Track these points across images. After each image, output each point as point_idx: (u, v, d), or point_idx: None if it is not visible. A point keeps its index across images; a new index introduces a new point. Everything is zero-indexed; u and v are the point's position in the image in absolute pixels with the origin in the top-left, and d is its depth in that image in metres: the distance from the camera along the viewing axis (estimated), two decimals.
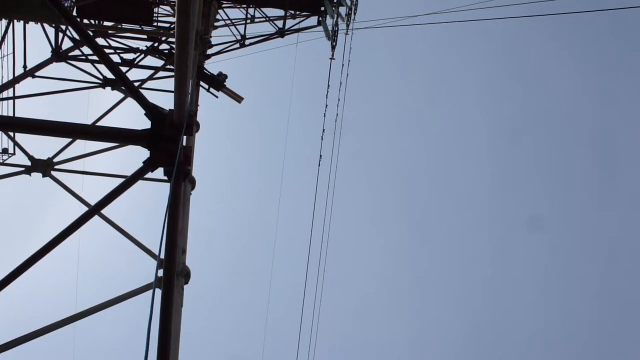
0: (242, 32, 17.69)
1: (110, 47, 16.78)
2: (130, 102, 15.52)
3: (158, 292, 6.79)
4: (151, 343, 6.56)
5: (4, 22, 14.32)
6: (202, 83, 16.02)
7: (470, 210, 38.99)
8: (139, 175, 6.53)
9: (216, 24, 17.63)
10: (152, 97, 16.54)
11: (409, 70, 39.31)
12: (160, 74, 16.78)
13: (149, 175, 6.72)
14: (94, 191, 15.54)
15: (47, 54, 16.13)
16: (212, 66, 16.58)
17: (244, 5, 17.50)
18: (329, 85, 18.37)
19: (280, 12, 17.88)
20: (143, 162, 6.38)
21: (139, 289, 10.23)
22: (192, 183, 11.83)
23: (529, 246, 38.01)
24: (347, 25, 18.63)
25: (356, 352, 36.86)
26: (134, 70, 16.90)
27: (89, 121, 14.80)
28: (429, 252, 39.12)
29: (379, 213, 39.83)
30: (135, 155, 6.89)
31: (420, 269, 38.83)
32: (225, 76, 16.16)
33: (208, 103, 16.14)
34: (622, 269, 36.19)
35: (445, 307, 37.57)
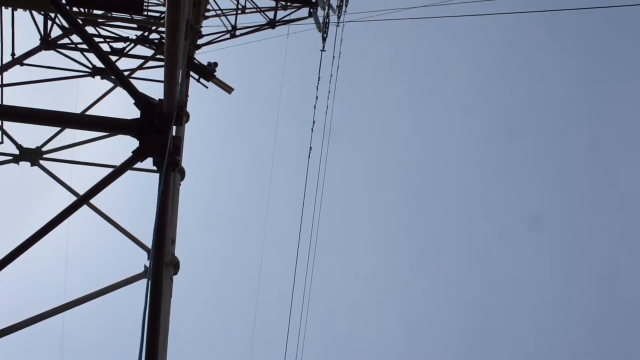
0: (233, 23, 17.63)
1: (99, 35, 16.66)
2: (119, 91, 15.44)
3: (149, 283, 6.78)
4: (139, 333, 6.56)
5: None
6: (192, 73, 15.96)
7: (469, 206, 39.06)
8: (128, 165, 6.50)
9: (207, 14, 17.56)
10: (141, 86, 16.46)
11: (402, 64, 39.28)
12: (150, 63, 16.68)
13: (139, 165, 6.70)
14: (83, 181, 15.48)
15: (35, 42, 16.01)
16: (202, 56, 16.54)
17: None
18: (319, 77, 18.38)
19: (272, 3, 17.82)
20: (132, 152, 6.35)
21: (128, 279, 10.22)
22: (182, 173, 11.79)
23: (532, 245, 38.06)
24: (338, 17, 18.61)
25: (347, 342, 36.97)
26: (123, 59, 16.79)
27: (78, 110, 14.69)
28: (425, 246, 39.20)
29: (370, 206, 39.87)
30: (124, 145, 6.86)
31: (415, 264, 38.91)
32: (216, 64, 16.10)
33: (198, 93, 16.09)
34: (622, 268, 36.37)
35: (443, 305, 37.66)
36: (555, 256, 37.13)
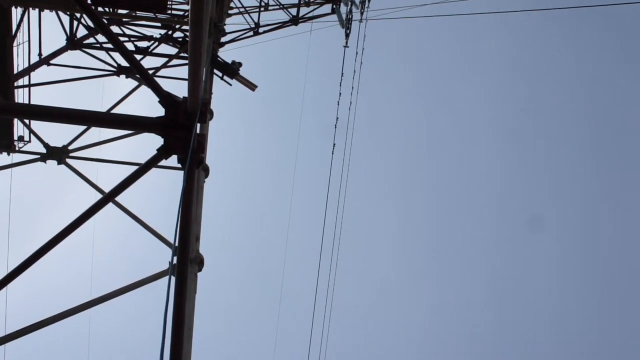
0: (256, 20, 17.66)
1: (124, 35, 16.81)
2: (144, 89, 15.57)
3: (172, 279, 6.83)
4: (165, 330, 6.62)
5: (20, 10, 14.37)
6: (215, 71, 16.02)
7: (478, 206, 38.74)
8: (152, 162, 6.55)
9: (230, 11, 17.61)
10: (166, 84, 16.58)
11: (424, 59, 39.05)
12: (174, 61, 16.80)
13: (163, 162, 6.74)
14: (108, 178, 15.65)
15: (62, 42, 16.21)
16: (226, 54, 16.60)
17: None
18: (342, 74, 18.34)
19: (294, 0, 17.83)
20: (157, 150, 6.40)
21: (153, 276, 10.29)
22: (206, 171, 11.85)
23: (537, 245, 37.74)
24: (361, 13, 18.56)
25: (368, 337, 36.91)
26: (147, 58, 16.93)
27: (103, 109, 14.85)
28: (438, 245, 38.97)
29: (391, 202, 39.72)
30: (149, 143, 6.92)
31: (428, 264, 38.69)
32: (240, 64, 16.16)
33: (222, 91, 16.17)
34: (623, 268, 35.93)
35: (450, 305, 37.42)
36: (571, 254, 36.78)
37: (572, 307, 36.20)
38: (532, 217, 36.60)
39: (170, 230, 12.07)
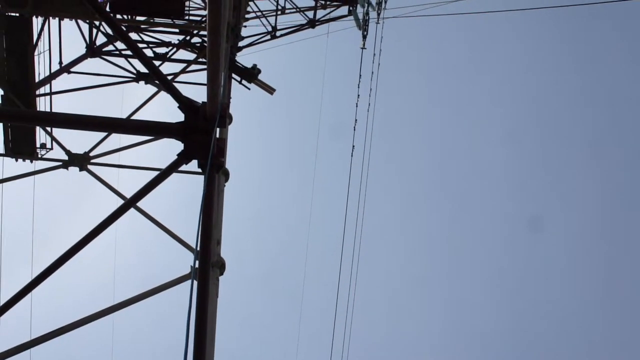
0: (273, 24, 17.71)
1: (143, 41, 16.95)
2: (163, 95, 15.67)
3: (195, 284, 6.87)
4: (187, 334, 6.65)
5: (40, 19, 14.55)
6: (234, 75, 16.09)
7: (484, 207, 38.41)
8: (173, 167, 6.59)
9: (247, 16, 17.68)
10: (185, 90, 16.69)
11: (442, 60, 38.89)
12: (193, 67, 16.89)
13: (184, 167, 6.78)
14: (129, 184, 15.77)
15: (81, 49, 16.38)
16: (244, 58, 16.67)
17: None
18: (360, 75, 18.33)
19: (311, 3, 17.87)
20: (177, 155, 6.44)
21: (175, 280, 10.36)
22: (226, 175, 11.92)
23: (541, 245, 37.34)
24: (378, 14, 18.54)
25: (389, 338, 36.80)
26: (166, 64, 17.05)
27: (123, 115, 14.97)
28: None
29: (409, 203, 39.60)
30: (170, 149, 6.96)
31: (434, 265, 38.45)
32: (259, 70, 16.25)
33: (241, 95, 16.24)
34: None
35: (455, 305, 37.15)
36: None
37: (584, 307, 35.85)
38: (542, 217, 36.29)
39: (191, 235, 12.13)
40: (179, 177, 14.12)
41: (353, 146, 18.50)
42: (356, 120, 18.43)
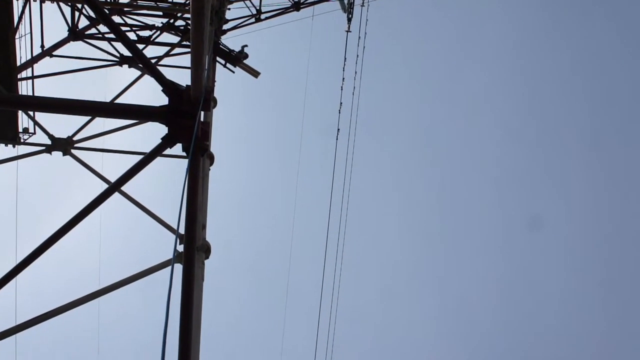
0: (258, 6, 17.59)
1: (126, 24, 16.78)
2: (147, 79, 15.57)
3: (180, 267, 6.88)
4: (174, 317, 6.66)
5: (21, 1, 14.37)
6: (218, 59, 16.00)
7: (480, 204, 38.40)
8: (157, 151, 6.57)
9: None
10: (169, 73, 16.58)
11: (429, 43, 38.71)
12: (177, 50, 16.78)
13: (168, 151, 6.76)
14: (113, 169, 15.68)
15: (64, 33, 16.19)
16: (228, 41, 16.56)
17: None
18: (345, 59, 18.29)
19: None
20: (161, 139, 6.42)
21: (160, 264, 10.36)
22: (211, 159, 11.89)
23: (542, 245, 37.41)
24: None
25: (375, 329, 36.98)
26: (150, 47, 16.91)
27: (107, 99, 14.86)
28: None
29: (395, 190, 39.66)
30: (154, 133, 6.92)
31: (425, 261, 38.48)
32: (246, 55, 16.19)
33: (225, 79, 16.15)
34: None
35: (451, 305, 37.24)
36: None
37: (579, 307, 36.02)
38: (539, 216, 36.28)
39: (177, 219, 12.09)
40: (165, 161, 14.08)
41: (338, 129, 18.52)
42: (341, 103, 18.43)
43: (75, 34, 16.15)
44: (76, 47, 16.55)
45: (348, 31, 18.43)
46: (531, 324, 36.01)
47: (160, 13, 16.72)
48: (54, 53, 15.92)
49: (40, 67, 15.76)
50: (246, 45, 16.32)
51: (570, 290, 35.97)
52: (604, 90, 35.68)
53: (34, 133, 15.17)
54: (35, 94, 15.07)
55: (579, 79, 36.76)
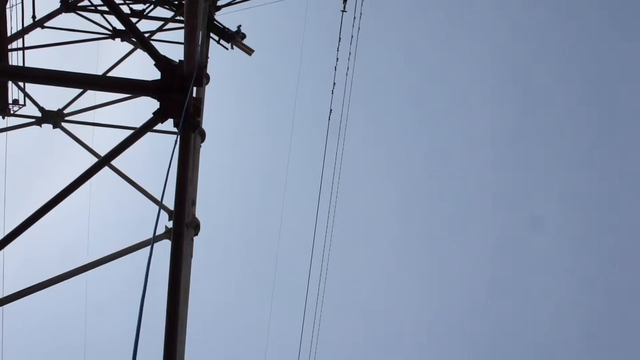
0: None
1: None
2: (140, 53, 15.43)
3: (168, 243, 6.87)
4: (162, 293, 6.68)
5: None
6: (213, 35, 15.88)
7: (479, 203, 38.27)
8: (148, 126, 6.53)
9: None
10: (162, 48, 16.44)
11: (425, 25, 38.49)
12: (170, 25, 16.63)
13: (160, 127, 6.73)
14: (104, 143, 15.60)
15: (56, 4, 15.99)
16: (223, 17, 16.43)
17: None
18: (339, 39, 18.17)
19: None
20: (153, 113, 6.38)
21: (148, 240, 10.32)
22: (202, 135, 11.83)
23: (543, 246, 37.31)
24: None
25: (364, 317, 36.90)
26: (143, 21, 16.75)
27: (99, 73, 14.73)
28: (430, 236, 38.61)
29: (387, 173, 39.63)
30: (146, 107, 6.87)
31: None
32: (244, 35, 16.09)
33: (219, 55, 16.04)
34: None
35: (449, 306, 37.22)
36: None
37: (577, 307, 36.04)
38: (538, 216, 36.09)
39: (168, 195, 12.07)
40: (157, 137, 14.01)
41: (330, 110, 18.46)
42: (334, 83, 18.35)
43: (67, 5, 15.95)
44: (68, 19, 16.37)
45: (343, 11, 18.29)
46: (531, 324, 36.17)
47: None
48: (46, 24, 15.72)
49: (31, 39, 15.58)
50: (241, 25, 16.23)
51: (570, 290, 36.12)
52: (604, 90, 35.67)
53: (24, 105, 15.04)
54: (26, 65, 14.92)
55: (579, 79, 36.69)
